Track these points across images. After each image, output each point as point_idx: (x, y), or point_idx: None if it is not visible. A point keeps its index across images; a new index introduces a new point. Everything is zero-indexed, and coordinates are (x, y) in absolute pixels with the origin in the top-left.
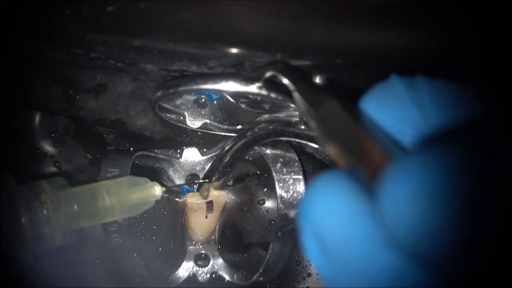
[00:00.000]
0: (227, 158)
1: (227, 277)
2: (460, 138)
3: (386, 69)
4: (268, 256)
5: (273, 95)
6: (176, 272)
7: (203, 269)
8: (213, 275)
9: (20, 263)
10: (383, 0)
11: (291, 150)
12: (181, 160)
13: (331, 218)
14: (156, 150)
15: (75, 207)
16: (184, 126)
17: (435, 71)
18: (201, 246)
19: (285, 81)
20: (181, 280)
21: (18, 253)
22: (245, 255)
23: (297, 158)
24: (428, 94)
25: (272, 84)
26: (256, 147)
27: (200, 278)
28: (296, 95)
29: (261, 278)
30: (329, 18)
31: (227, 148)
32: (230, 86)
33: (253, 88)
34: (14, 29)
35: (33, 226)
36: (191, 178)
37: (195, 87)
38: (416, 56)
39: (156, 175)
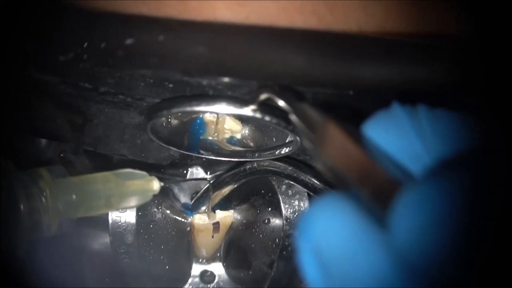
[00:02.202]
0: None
1: None
2: (466, 164)
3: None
4: (272, 273)
5: (267, 118)
6: None
7: (209, 285)
8: None
9: (14, 251)
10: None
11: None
12: (187, 178)
13: (334, 235)
14: (161, 170)
15: (74, 196)
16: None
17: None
18: (206, 263)
19: (281, 103)
20: None
21: (14, 241)
22: (250, 272)
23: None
24: (429, 123)
25: (266, 107)
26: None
27: None
28: (293, 117)
29: None
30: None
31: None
32: (223, 108)
33: (247, 111)
34: (23, 62)
35: (31, 214)
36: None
37: (188, 108)
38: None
39: (162, 195)
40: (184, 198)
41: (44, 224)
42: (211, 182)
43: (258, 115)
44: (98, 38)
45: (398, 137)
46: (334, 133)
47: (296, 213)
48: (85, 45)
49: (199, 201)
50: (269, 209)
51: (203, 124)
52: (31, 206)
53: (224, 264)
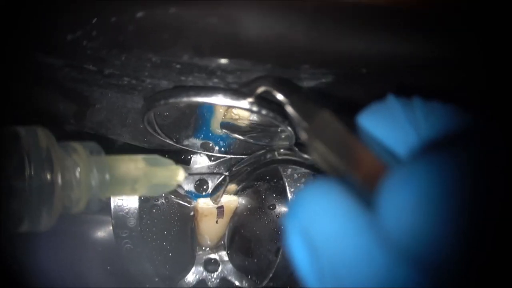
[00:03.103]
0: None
1: (236, 282)
2: (458, 143)
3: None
4: (278, 261)
5: (264, 111)
6: (186, 277)
7: (213, 274)
8: (223, 280)
9: (41, 226)
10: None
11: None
12: (190, 165)
13: (323, 217)
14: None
15: (107, 175)
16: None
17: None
18: (210, 251)
19: (279, 96)
20: (190, 285)
21: (44, 213)
22: (255, 260)
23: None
24: (423, 115)
25: (263, 101)
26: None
27: (209, 283)
28: (289, 108)
29: (271, 284)
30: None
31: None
32: (221, 100)
33: (244, 103)
34: (26, 44)
35: (63, 187)
36: (200, 183)
37: (185, 99)
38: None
39: None
40: (187, 185)
41: (74, 200)
42: (229, 173)
43: (255, 108)
44: (108, 12)
45: (393, 128)
46: (328, 121)
47: None
48: (94, 21)
49: (216, 191)
50: (275, 194)
51: (211, 108)
52: (65, 179)
53: (228, 252)
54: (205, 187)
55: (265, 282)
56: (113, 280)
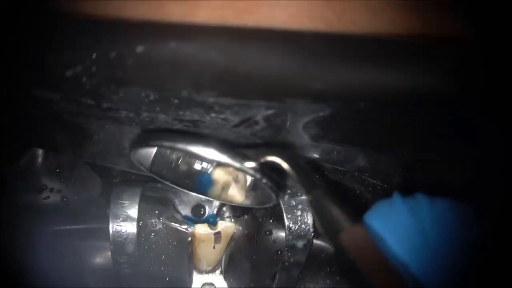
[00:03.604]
0: None
1: None
2: None
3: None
4: (274, 286)
5: (265, 180)
6: None
7: None
8: None
9: None
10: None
11: None
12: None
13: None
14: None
15: None
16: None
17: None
18: (207, 276)
19: (286, 167)
20: None
21: None
22: (251, 285)
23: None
24: (428, 215)
25: (266, 169)
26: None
27: None
28: (310, 203)
29: None
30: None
31: None
32: (224, 158)
33: (248, 167)
34: (25, 78)
35: None
36: (197, 208)
37: (190, 148)
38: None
39: (164, 206)
40: (184, 210)
41: None
42: None
43: (258, 175)
44: (108, 47)
45: (400, 229)
46: (360, 237)
47: (299, 223)
48: (94, 56)
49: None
50: (272, 220)
51: (210, 181)
52: None
53: (225, 277)
54: (202, 212)
55: None
56: None
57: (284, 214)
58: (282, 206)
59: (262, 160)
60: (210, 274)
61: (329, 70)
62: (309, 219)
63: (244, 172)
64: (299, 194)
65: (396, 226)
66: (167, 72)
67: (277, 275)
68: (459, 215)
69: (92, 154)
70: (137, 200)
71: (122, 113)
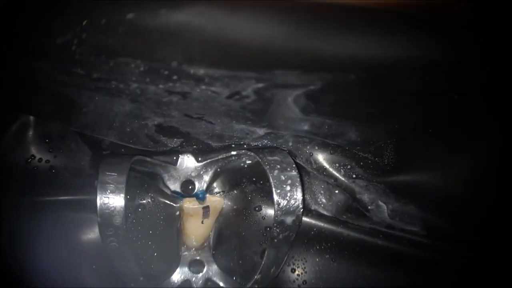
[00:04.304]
0: None
1: (221, 284)
2: None
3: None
4: (263, 262)
5: None
6: (171, 277)
7: (198, 275)
8: (208, 281)
9: None
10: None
11: (288, 157)
12: (177, 166)
13: None
14: (152, 156)
15: None
16: None
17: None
18: (195, 252)
19: None
20: (175, 285)
21: None
22: (240, 262)
23: (294, 165)
24: None
25: None
26: (253, 153)
27: (194, 284)
28: None
29: (256, 285)
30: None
31: None
32: None
33: None
34: (15, 47)
35: None
36: (186, 184)
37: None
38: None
39: (152, 180)
40: (173, 186)
41: None
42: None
43: None
44: (98, 14)
45: None
46: None
47: (288, 199)
48: (84, 23)
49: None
50: (261, 196)
51: None
52: None
53: (214, 253)
54: (191, 187)
55: (249, 284)
56: (98, 279)
57: (273, 189)
58: (271, 181)
59: None
60: (199, 251)
61: (320, 41)
62: (298, 195)
63: None
64: (288, 169)
65: None
66: (157, 40)
67: (266, 252)
68: None
69: (82, 124)
70: (126, 173)
71: (112, 83)
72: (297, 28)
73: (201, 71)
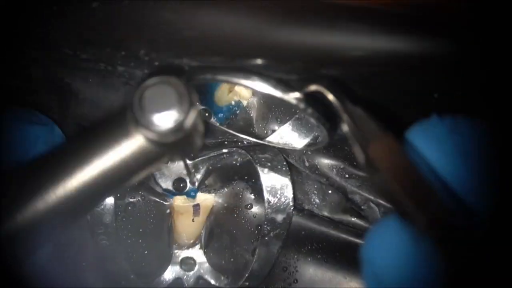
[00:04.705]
0: None
1: (212, 281)
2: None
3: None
4: (254, 261)
5: (309, 111)
6: (162, 275)
7: (189, 273)
8: (199, 279)
9: None
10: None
11: (279, 154)
12: (168, 164)
13: (390, 256)
14: None
15: None
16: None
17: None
18: (187, 250)
19: (331, 97)
20: (166, 283)
21: None
22: (231, 260)
23: (285, 163)
24: (469, 138)
25: (312, 100)
26: (244, 151)
27: (185, 282)
28: (345, 117)
29: (247, 283)
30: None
31: None
32: (267, 88)
33: (292, 97)
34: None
35: None
36: (178, 181)
37: (233, 80)
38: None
39: (143, 178)
40: (165, 183)
41: None
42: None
43: (301, 105)
44: (65, 2)
45: (441, 154)
46: (391, 145)
47: (278, 197)
48: (54, 8)
49: None
50: (251, 194)
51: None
52: None
53: (205, 251)
54: (182, 185)
55: (241, 282)
56: (88, 277)
57: (264, 188)
58: (262, 179)
59: (306, 90)
60: (190, 249)
61: (284, 32)
62: (289, 193)
63: (288, 102)
64: (279, 167)
65: (434, 146)
66: (124, 30)
67: (257, 250)
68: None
69: (79, 116)
70: None
71: (101, 65)
72: (261, 20)
73: (176, 60)
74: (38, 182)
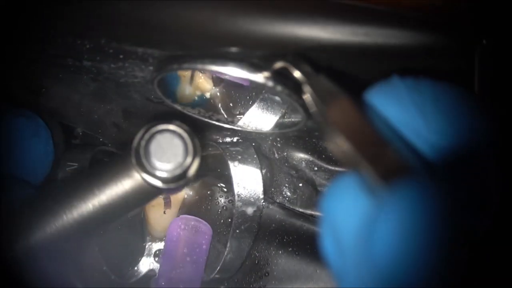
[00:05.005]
0: None
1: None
2: (457, 175)
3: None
4: (226, 253)
5: (279, 88)
6: (135, 268)
7: None
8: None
9: None
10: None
11: (250, 147)
12: None
13: (343, 218)
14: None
15: None
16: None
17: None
18: (160, 242)
19: (297, 74)
20: (140, 275)
21: None
22: None
23: (255, 156)
24: (431, 98)
25: (280, 77)
26: (215, 144)
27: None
28: (307, 89)
29: (219, 276)
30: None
31: None
32: (236, 71)
33: (259, 77)
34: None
35: None
36: None
37: (199, 66)
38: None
39: None
40: None
41: None
42: None
43: (270, 83)
44: None
45: (399, 111)
46: (347, 108)
47: (248, 189)
48: None
49: None
50: (222, 186)
51: (177, 76)
52: None
53: None
54: None
55: (213, 274)
56: (61, 269)
57: (234, 181)
58: (232, 172)
59: (272, 68)
60: (163, 240)
61: (242, 22)
62: (259, 185)
63: (256, 83)
64: (249, 160)
65: (394, 105)
66: (82, 19)
67: (228, 243)
68: (464, 101)
69: (51, 109)
70: (87, 164)
71: (69, 61)
72: (218, 10)
73: (139, 50)
74: (50, 210)
